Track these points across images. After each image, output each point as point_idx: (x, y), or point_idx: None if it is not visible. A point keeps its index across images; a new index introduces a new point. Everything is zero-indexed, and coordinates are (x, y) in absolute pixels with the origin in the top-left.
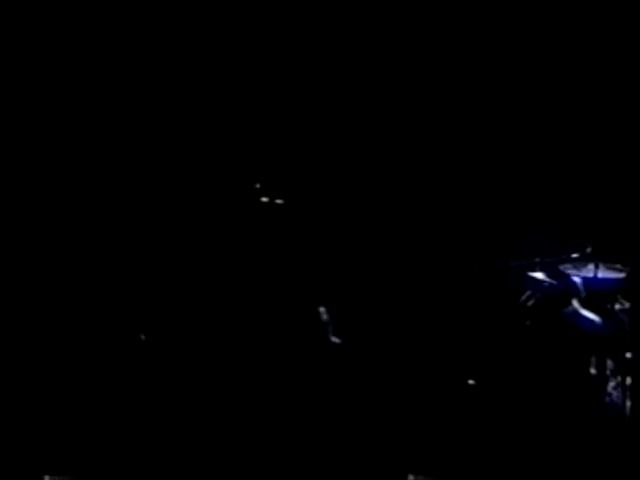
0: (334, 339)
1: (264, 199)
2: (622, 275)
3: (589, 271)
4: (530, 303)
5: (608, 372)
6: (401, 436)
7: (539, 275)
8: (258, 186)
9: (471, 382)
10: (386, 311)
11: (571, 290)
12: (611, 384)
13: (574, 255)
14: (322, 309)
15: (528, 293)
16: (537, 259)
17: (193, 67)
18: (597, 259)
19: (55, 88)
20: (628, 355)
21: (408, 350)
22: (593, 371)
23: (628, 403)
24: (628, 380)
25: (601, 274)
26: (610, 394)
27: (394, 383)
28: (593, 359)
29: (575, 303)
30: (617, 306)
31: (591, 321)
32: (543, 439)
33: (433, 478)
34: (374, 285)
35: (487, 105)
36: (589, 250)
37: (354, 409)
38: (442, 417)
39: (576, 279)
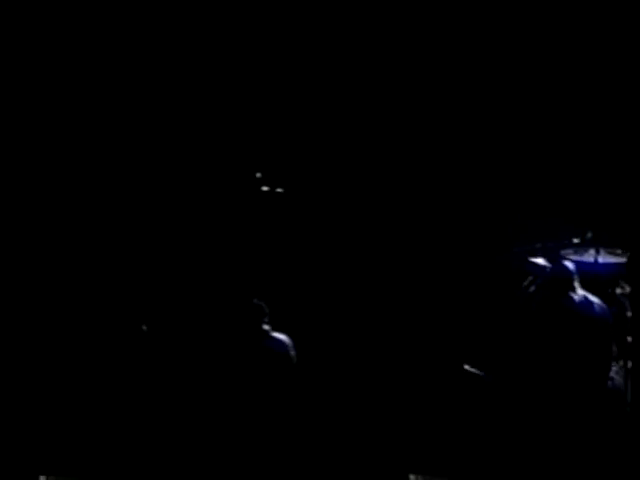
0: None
1: (265, 188)
2: (623, 260)
3: (590, 256)
4: (532, 288)
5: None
6: (402, 435)
7: (541, 261)
8: (259, 175)
9: (467, 368)
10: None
11: (571, 276)
12: (613, 368)
13: (575, 240)
14: None
15: (530, 279)
16: (539, 245)
17: (193, 57)
18: (598, 244)
19: (55, 88)
20: (629, 339)
21: (410, 340)
22: (599, 356)
23: (630, 386)
24: (629, 364)
25: (602, 259)
26: (612, 378)
27: (394, 375)
28: (600, 344)
29: (580, 289)
30: (618, 290)
31: (599, 306)
32: (547, 429)
33: (433, 477)
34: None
35: (490, 95)
36: (590, 235)
37: (355, 406)
38: (441, 415)
39: (570, 265)
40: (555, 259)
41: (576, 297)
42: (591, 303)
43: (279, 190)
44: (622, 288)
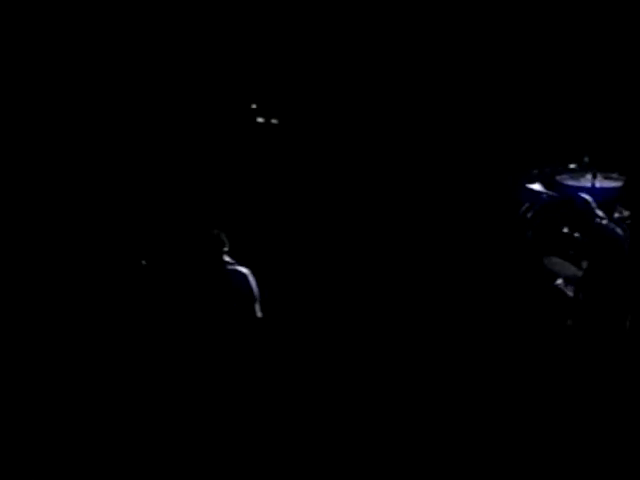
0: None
1: (260, 119)
2: (619, 184)
3: (587, 181)
4: (529, 215)
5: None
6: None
7: (537, 187)
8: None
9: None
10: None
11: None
12: None
13: (571, 166)
14: None
15: (527, 205)
16: (535, 171)
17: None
18: (594, 169)
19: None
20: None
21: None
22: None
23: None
24: None
25: (598, 184)
26: None
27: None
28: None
29: (601, 213)
30: (616, 215)
31: (619, 230)
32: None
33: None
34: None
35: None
36: (586, 160)
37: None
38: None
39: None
40: (552, 185)
41: (604, 221)
42: (616, 228)
43: (274, 121)
44: (619, 212)
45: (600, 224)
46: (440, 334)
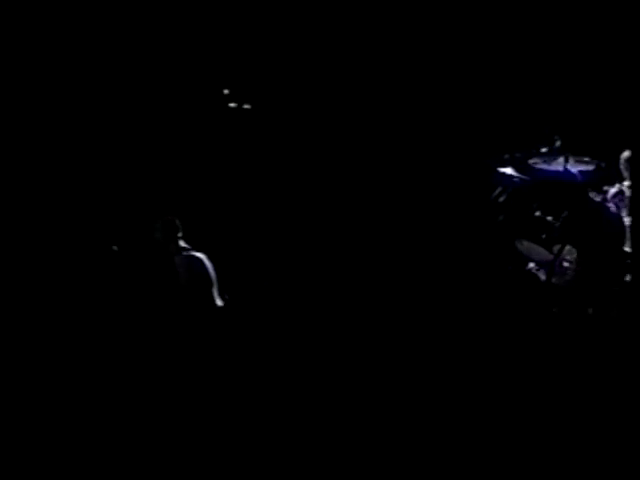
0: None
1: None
2: (591, 167)
3: (559, 165)
4: (502, 199)
5: None
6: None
7: (509, 170)
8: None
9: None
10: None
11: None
12: None
13: (543, 149)
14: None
15: (499, 189)
16: (506, 155)
17: None
18: (566, 152)
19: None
20: None
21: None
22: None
23: None
24: None
25: (571, 167)
26: None
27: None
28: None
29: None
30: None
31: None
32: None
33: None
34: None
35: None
36: (558, 144)
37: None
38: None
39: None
40: (524, 169)
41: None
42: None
43: (246, 107)
44: (592, 195)
45: (597, 202)
46: (418, 321)
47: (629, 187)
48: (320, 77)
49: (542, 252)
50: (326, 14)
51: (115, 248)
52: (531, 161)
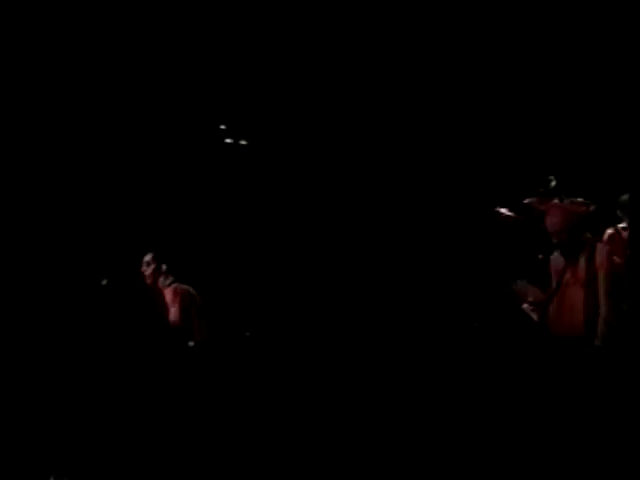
0: None
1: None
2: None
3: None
4: (497, 238)
5: None
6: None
7: (505, 211)
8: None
9: None
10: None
11: None
12: None
13: (539, 190)
14: None
15: (494, 228)
16: (502, 195)
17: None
18: (561, 193)
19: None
20: None
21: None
22: None
23: None
24: None
25: None
26: None
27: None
28: None
29: None
30: None
31: None
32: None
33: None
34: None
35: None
36: (553, 184)
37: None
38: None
39: None
40: (520, 208)
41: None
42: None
43: (243, 143)
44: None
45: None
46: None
47: (623, 229)
48: (317, 118)
49: (536, 292)
50: (320, 48)
51: (104, 282)
52: (527, 201)
